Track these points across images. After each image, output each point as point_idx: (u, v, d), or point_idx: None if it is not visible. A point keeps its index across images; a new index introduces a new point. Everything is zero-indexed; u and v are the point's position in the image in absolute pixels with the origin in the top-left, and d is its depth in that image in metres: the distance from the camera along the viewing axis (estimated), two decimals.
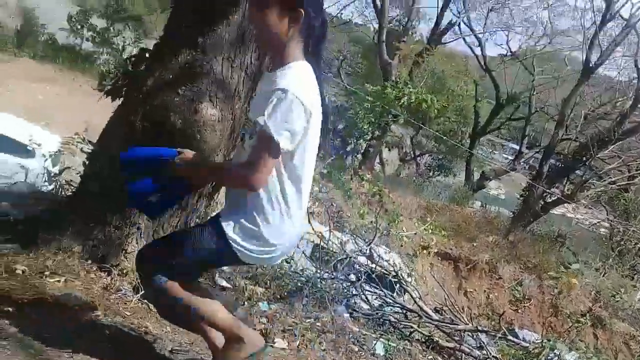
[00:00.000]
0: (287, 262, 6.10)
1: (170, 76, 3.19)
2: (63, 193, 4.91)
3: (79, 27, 22.80)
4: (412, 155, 24.90)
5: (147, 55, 3.70)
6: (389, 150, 23.71)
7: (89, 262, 3.32)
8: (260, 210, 2.05)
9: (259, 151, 1.96)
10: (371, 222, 7.15)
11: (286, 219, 2.09)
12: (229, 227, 2.07)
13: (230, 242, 2.07)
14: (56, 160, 8.23)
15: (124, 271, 3.31)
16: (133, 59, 3.73)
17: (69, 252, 3.29)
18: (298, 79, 1.97)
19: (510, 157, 28.40)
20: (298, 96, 1.91)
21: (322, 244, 6.39)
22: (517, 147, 24.25)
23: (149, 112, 3.19)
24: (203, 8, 3.16)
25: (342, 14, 23.32)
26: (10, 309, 2.54)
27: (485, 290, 14.33)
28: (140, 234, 3.36)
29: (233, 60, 3.25)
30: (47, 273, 3.05)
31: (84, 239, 3.31)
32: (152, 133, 3.18)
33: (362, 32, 25.36)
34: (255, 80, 3.46)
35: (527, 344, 5.13)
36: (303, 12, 1.99)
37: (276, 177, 2.04)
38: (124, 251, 3.34)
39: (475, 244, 15.55)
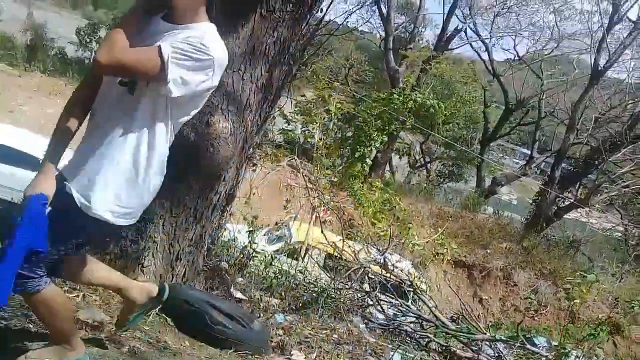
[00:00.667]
0: (301, 272, 6.09)
1: None
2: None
3: (88, 40, 23.05)
4: (422, 162, 24.84)
5: None
6: (400, 157, 23.67)
7: None
8: (142, 171, 2.00)
9: (144, 49, 1.87)
10: (384, 230, 7.12)
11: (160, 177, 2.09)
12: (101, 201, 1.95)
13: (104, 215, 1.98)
14: None
15: None
16: None
17: None
18: (223, 52, 1.97)
19: (521, 162, 28.24)
20: (216, 73, 1.93)
21: (335, 253, 6.37)
22: (528, 152, 24.14)
23: None
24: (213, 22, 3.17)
25: (347, 22, 23.41)
26: (29, 326, 2.55)
27: (500, 298, 14.24)
28: (157, 248, 3.37)
29: (244, 73, 3.26)
30: (66, 288, 3.05)
31: (101, 253, 3.32)
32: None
33: (369, 40, 25.41)
34: (265, 91, 3.48)
35: (547, 354, 5.06)
36: None
37: (165, 133, 2.00)
38: (140, 265, 3.35)
39: (489, 251, 15.48)
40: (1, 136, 10.29)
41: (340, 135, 16.18)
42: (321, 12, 5.16)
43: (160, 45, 1.84)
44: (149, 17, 1.99)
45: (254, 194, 6.89)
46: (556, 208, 17.83)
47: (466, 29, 21.51)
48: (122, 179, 1.97)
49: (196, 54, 1.86)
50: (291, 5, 3.14)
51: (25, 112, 15.79)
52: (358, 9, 21.82)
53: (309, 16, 3.32)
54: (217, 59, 1.91)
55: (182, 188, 3.30)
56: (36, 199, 1.87)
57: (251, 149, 3.83)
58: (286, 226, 9.51)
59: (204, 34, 1.94)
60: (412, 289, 5.86)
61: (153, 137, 1.97)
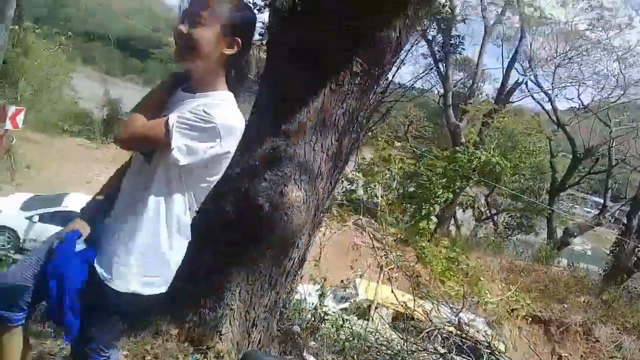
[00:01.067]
0: (371, 333, 6.01)
1: (257, 162, 3.37)
2: None
3: None
4: (488, 215, 24.24)
5: None
6: (463, 211, 23.23)
7: (186, 344, 3.43)
8: (163, 239, 1.99)
9: (155, 121, 1.90)
10: (454, 289, 6.98)
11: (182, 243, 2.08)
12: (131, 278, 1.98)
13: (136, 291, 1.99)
14: None
15: (220, 353, 3.39)
16: None
17: (167, 335, 3.42)
18: (232, 118, 1.94)
19: (592, 211, 27.18)
20: (223, 140, 1.89)
21: (406, 312, 6.27)
22: (600, 200, 23.24)
23: (238, 196, 3.36)
24: (285, 98, 3.35)
25: (413, 86, 23.89)
26: None
27: (581, 355, 13.45)
28: (234, 315, 3.46)
29: (314, 143, 3.39)
30: (148, 358, 3.17)
31: (180, 321, 3.44)
32: (242, 216, 3.34)
33: (427, 97, 25.61)
34: (335, 159, 3.59)
35: None
36: (240, 42, 1.97)
37: (182, 201, 1.99)
38: (218, 333, 3.44)
39: (565, 305, 14.76)
40: (76, 203, 10.95)
41: (402, 191, 16.14)
42: (386, 80, 5.32)
43: (169, 116, 1.89)
44: (173, 90, 2.07)
45: (321, 253, 6.96)
46: (636, 258, 16.91)
47: (527, 81, 21.42)
48: (143, 248, 1.99)
49: (198, 122, 1.86)
50: (359, 78, 3.28)
51: (101, 182, 16.65)
52: (425, 74, 22.22)
53: (375, 87, 3.45)
54: (222, 125, 1.88)
55: (258, 256, 3.42)
56: (69, 234, 2.01)
57: (322, 214, 3.93)
58: (352, 284, 9.46)
59: (214, 102, 1.94)
60: (489, 350, 5.66)
61: (170, 205, 1.98)
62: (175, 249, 2.05)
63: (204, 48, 1.94)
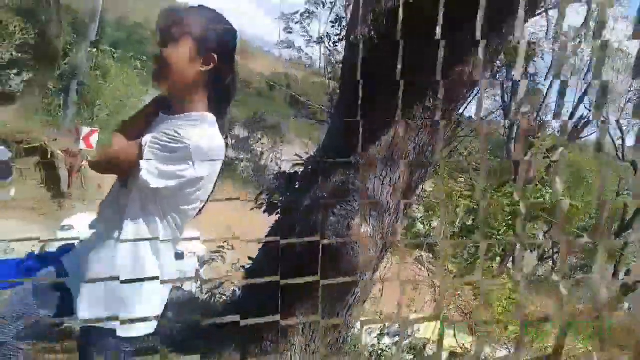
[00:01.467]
0: None
1: (325, 194, 3.34)
2: (216, 302, 5.15)
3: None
4: (550, 254, 23.30)
5: (299, 173, 3.94)
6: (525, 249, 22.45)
7: None
8: (144, 273, 1.81)
9: (129, 143, 1.81)
10: (515, 331, 6.68)
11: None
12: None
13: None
14: (201, 266, 8.69)
15: None
16: (289, 175, 3.98)
17: None
18: (207, 140, 1.82)
19: None
20: (197, 163, 1.76)
21: (464, 355, 6.06)
22: None
23: (305, 228, 3.34)
24: (357, 130, 3.32)
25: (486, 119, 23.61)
26: None
27: None
28: (295, 350, 3.40)
29: (384, 178, 3.33)
30: None
31: (242, 353, 3.42)
32: (308, 249, 3.30)
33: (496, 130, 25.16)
34: (403, 194, 3.52)
35: None
36: (216, 58, 1.86)
37: (161, 229, 1.86)
38: None
39: (629, 353, 13.92)
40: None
41: (460, 224, 15.72)
42: (458, 114, 5.24)
43: (143, 137, 1.79)
44: (155, 113, 1.99)
45: (382, 289, 6.83)
46: None
47: None
48: (121, 285, 1.85)
49: (170, 143, 1.75)
50: (431, 113, 3.23)
51: None
52: (497, 110, 22.01)
53: (448, 122, 3.39)
54: (195, 147, 1.76)
55: (321, 290, 3.36)
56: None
57: (387, 250, 3.85)
58: (408, 321, 9.24)
59: (190, 123, 1.84)
60: None
61: (147, 233, 1.86)
62: (157, 284, 1.90)
63: (176, 66, 1.85)
